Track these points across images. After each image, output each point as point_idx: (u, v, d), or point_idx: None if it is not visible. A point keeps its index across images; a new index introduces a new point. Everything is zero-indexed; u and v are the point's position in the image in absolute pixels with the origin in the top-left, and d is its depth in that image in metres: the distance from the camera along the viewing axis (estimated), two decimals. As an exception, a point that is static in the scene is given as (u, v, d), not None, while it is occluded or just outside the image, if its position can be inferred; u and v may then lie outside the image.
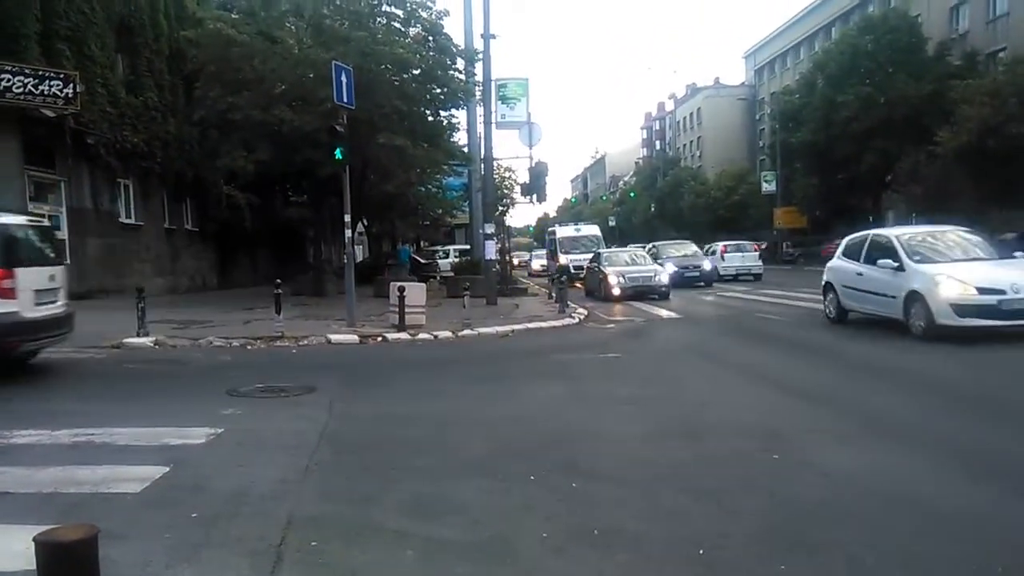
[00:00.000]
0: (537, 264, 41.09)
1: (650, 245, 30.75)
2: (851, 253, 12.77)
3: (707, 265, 25.94)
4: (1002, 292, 9.88)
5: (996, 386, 7.76)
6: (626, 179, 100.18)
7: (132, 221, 21.99)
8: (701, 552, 3.57)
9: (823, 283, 13.48)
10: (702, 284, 24.75)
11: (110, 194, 20.63)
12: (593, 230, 36.15)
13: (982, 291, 9.92)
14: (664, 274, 20.63)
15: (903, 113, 35.58)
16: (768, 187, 48.67)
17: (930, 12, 41.84)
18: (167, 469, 4.95)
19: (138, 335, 11.64)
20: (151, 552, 3.67)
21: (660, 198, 72.74)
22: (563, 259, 29.44)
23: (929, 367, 8.98)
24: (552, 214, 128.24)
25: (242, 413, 6.79)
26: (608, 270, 20.65)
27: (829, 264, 13.57)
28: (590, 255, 25.21)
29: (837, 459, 5.12)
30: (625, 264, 21.48)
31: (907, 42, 37.88)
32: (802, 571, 3.40)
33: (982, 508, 4.15)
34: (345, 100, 12.88)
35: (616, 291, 19.68)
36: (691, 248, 28.32)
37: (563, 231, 36.75)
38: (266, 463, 5.16)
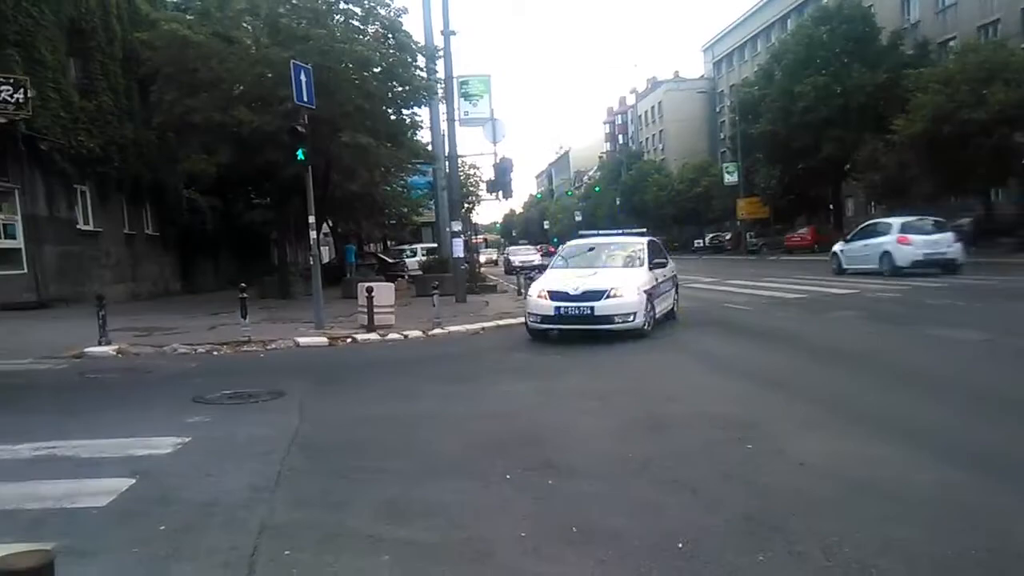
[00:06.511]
0: None
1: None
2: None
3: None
4: None
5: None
6: (590, 174, 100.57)
7: (90, 227, 21.51)
8: (680, 545, 3.56)
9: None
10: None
11: (67, 201, 20.15)
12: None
13: None
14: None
15: (859, 102, 36.24)
16: (730, 178, 49.22)
17: (882, 2, 42.64)
18: (133, 481, 4.83)
19: (100, 344, 11.36)
20: (119, 568, 3.57)
21: (624, 192, 73.18)
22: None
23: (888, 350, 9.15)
24: (519, 210, 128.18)
25: (210, 420, 6.66)
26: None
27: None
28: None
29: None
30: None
31: (861, 32, 38.58)
32: (781, 561, 3.40)
33: (955, 493, 4.20)
34: (305, 100, 12.68)
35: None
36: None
37: None
38: (236, 471, 5.06)
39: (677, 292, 13.86)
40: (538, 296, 11.52)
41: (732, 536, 3.68)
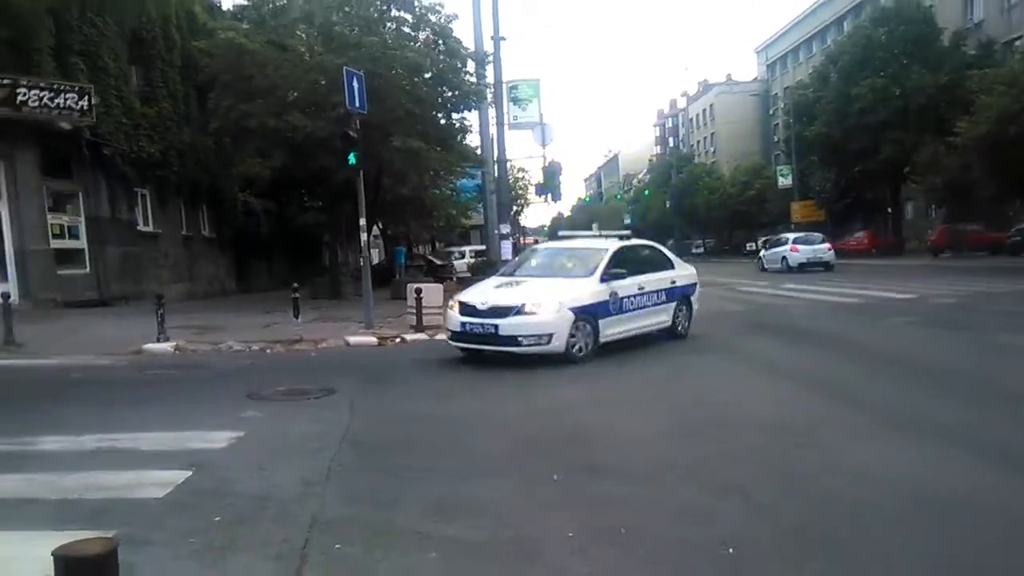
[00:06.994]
0: None
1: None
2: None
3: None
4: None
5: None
6: (640, 176, 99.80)
7: (150, 229, 22.17)
8: (730, 551, 3.51)
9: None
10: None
11: (128, 203, 20.80)
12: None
13: None
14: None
15: (919, 104, 35.19)
16: (784, 181, 48.29)
17: (944, 2, 41.38)
18: (190, 473, 4.96)
19: (158, 341, 11.69)
20: (176, 557, 3.67)
21: (675, 195, 72.41)
22: None
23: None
24: (566, 213, 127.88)
25: (263, 416, 6.80)
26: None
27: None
28: None
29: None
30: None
31: (921, 32, 37.47)
32: (834, 572, 3.33)
33: (1020, 507, 4.06)
34: (357, 105, 12.88)
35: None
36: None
37: None
38: (288, 466, 5.16)
39: (688, 305, 11.63)
40: (451, 308, 9.95)
41: (783, 544, 3.61)
